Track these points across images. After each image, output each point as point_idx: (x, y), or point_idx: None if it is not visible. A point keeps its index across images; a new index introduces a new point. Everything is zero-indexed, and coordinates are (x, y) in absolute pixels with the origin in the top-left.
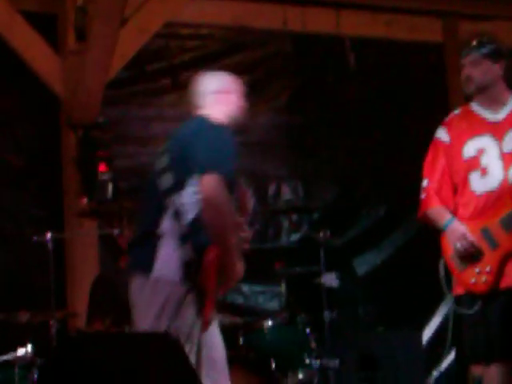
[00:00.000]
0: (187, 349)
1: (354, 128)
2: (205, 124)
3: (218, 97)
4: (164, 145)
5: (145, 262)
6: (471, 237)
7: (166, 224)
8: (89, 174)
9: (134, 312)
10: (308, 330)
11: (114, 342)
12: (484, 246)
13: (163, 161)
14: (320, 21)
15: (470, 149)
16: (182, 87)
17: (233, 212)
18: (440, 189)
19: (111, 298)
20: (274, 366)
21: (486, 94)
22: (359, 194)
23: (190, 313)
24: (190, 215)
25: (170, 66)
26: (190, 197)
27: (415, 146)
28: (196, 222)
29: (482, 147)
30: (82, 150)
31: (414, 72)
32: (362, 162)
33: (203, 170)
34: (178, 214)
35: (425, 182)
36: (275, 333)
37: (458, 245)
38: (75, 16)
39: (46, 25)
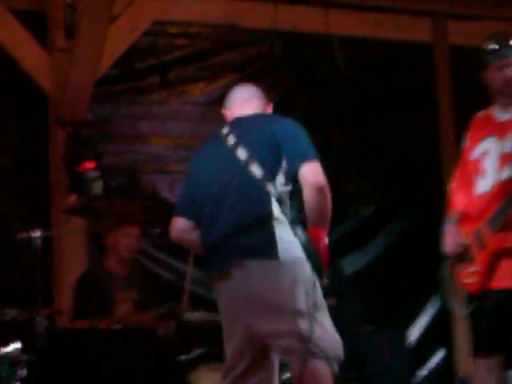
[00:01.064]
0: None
1: (342, 127)
2: (284, 119)
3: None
4: (235, 139)
5: (266, 246)
6: (459, 239)
7: (275, 209)
8: (77, 172)
9: (261, 301)
10: None
11: (100, 339)
12: (476, 246)
13: (241, 152)
14: (309, 20)
15: (476, 151)
16: (170, 85)
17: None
18: (462, 192)
19: (96, 296)
20: None
21: None
22: (347, 193)
23: (319, 290)
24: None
25: (158, 64)
26: (281, 187)
27: (404, 146)
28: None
29: (487, 149)
30: (70, 147)
31: (402, 71)
32: (351, 161)
33: (306, 159)
34: (280, 201)
35: (450, 186)
36: None
37: (445, 248)
38: (64, 13)
39: (35, 22)
